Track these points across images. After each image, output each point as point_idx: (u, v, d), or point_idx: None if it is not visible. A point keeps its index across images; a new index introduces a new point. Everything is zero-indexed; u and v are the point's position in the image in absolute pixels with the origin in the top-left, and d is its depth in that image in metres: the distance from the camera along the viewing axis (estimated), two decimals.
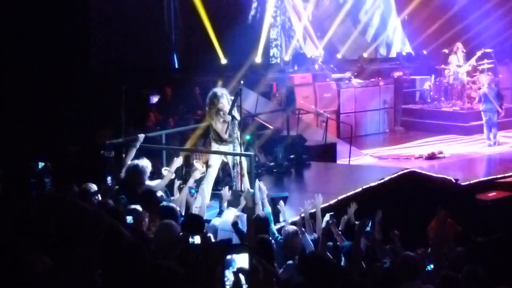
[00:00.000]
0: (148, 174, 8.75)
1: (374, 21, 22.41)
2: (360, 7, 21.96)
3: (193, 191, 8.63)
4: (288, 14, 20.45)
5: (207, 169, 10.06)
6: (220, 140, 10.15)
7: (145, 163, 8.72)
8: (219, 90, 10.26)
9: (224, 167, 10.66)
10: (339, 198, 10.42)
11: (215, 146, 10.25)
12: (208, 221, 8.44)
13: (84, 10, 16.28)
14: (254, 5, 19.76)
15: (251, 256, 4.84)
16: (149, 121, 15.00)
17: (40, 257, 4.33)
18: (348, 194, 10.69)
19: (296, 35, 20.43)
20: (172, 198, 8.60)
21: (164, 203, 7.74)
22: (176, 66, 18.16)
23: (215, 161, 10.19)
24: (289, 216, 8.71)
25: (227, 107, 9.98)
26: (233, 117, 9.87)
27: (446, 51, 20.84)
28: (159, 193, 8.44)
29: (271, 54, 19.97)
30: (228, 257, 4.75)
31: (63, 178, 9.22)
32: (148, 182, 8.73)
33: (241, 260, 4.87)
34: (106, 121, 13.19)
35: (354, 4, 21.53)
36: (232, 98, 10.03)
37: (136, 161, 8.77)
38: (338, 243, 7.61)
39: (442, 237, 9.13)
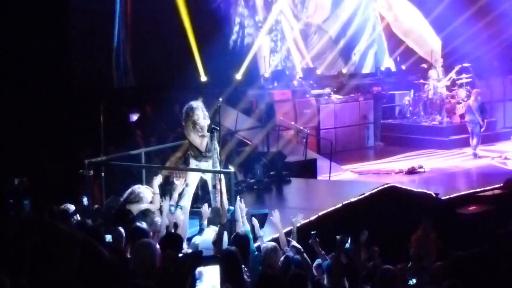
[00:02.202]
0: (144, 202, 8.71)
1: (367, 62, 22.61)
2: (354, 46, 22.19)
3: (172, 209, 8.56)
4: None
5: (185, 187, 9.99)
6: (199, 156, 10.08)
7: (146, 194, 8.73)
8: (194, 102, 10.21)
9: (203, 184, 10.59)
10: (320, 214, 10.40)
11: (193, 163, 10.17)
12: (189, 239, 8.40)
13: (64, 28, 16.22)
14: (236, 28, 19.83)
15: (222, 268, 4.81)
16: (135, 138, 14.90)
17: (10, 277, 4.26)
18: (329, 210, 10.67)
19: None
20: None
21: (137, 224, 7.67)
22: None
23: (193, 179, 10.09)
24: (269, 233, 8.68)
25: (202, 119, 9.93)
26: (213, 130, 9.76)
27: (425, 66, 20.97)
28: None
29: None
30: (199, 269, 4.71)
31: (41, 196, 9.15)
32: (140, 205, 8.67)
33: (212, 272, 4.82)
34: (85, 139, 13.12)
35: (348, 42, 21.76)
36: (209, 112, 10.01)
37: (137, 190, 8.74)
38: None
39: (424, 251, 9.16)
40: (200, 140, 9.96)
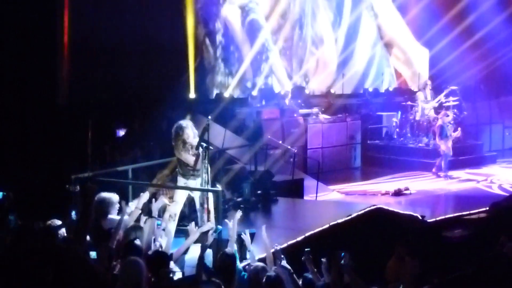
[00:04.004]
0: (115, 208, 8.58)
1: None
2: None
3: (159, 222, 8.53)
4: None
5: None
6: (188, 174, 10.07)
7: (114, 198, 8.59)
8: (184, 121, 10.21)
9: (190, 202, 10.57)
10: (307, 234, 10.39)
11: (182, 181, 10.15)
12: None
13: (51, 42, 16.19)
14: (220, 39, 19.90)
15: None
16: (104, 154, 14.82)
17: None
18: (316, 230, 10.66)
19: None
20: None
21: (131, 239, 7.63)
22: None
23: (181, 197, 10.07)
24: (256, 252, 8.64)
25: (192, 138, 9.93)
26: (203, 147, 9.73)
27: (412, 87, 21.08)
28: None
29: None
30: None
31: (27, 212, 9.09)
32: (112, 217, 8.58)
33: None
34: (72, 154, 13.05)
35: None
36: (198, 131, 10.01)
37: (103, 194, 8.61)
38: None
39: (397, 276, 9.13)
40: (190, 157, 9.95)
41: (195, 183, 10.02)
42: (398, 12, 23.62)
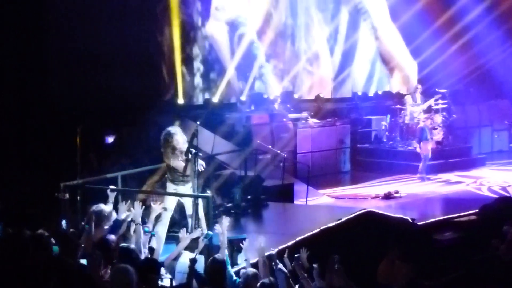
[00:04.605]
0: (110, 221, 8.54)
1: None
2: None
3: (147, 229, 8.48)
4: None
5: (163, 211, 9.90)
6: (177, 179, 10.02)
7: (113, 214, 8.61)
8: (172, 128, 10.18)
9: (180, 209, 10.52)
10: (297, 239, 10.37)
11: (171, 187, 10.11)
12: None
13: (40, 47, 16.14)
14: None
15: None
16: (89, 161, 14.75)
17: None
18: (306, 235, 10.64)
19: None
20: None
21: (124, 245, 7.62)
22: None
23: (171, 204, 10.01)
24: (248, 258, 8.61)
25: (181, 144, 9.89)
26: (193, 153, 9.70)
27: (401, 91, 21.11)
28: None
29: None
30: None
31: (15, 220, 9.02)
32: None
33: None
34: (61, 162, 12.99)
35: None
36: (187, 136, 9.98)
37: (101, 206, 8.59)
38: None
39: (391, 280, 9.11)
40: (179, 163, 9.91)
41: (184, 189, 9.97)
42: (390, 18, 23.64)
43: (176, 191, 10.00)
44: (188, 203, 10.00)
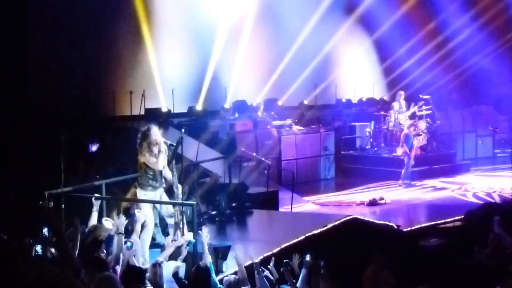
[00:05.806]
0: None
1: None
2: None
3: (130, 244, 8.42)
4: None
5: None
6: (146, 184, 9.89)
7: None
8: (148, 124, 10.18)
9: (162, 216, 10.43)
10: (282, 246, 10.33)
11: (141, 193, 9.96)
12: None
13: (22, 54, 16.07)
14: None
15: None
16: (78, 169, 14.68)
17: None
18: (292, 242, 10.61)
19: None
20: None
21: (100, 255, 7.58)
22: None
23: (147, 209, 9.91)
24: (231, 266, 8.58)
25: (159, 138, 9.85)
26: (168, 145, 9.74)
27: (385, 97, 21.14)
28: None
29: None
30: None
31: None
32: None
33: None
34: (45, 169, 12.91)
35: None
36: (169, 142, 9.96)
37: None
38: None
39: (376, 286, 9.09)
40: (153, 159, 9.81)
41: (153, 194, 9.87)
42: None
43: (146, 197, 9.88)
44: (164, 210, 9.96)
